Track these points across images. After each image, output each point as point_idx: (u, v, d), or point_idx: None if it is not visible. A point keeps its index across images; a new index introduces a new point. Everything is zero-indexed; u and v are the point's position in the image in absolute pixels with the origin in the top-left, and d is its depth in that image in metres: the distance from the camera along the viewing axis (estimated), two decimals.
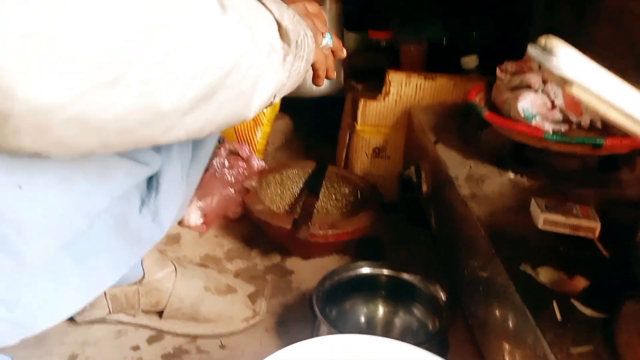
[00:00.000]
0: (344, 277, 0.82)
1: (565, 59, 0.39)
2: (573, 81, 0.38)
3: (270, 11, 0.51)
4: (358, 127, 1.09)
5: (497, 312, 0.70)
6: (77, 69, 0.35)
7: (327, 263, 0.96)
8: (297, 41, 0.52)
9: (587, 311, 0.60)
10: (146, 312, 0.80)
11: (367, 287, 0.83)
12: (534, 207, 0.72)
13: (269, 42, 0.49)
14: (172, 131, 0.42)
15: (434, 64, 1.22)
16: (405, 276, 0.82)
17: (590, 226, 0.68)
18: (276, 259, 0.98)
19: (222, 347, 0.80)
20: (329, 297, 0.79)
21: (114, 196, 0.54)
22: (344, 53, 0.70)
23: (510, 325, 0.66)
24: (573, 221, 0.69)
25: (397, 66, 1.19)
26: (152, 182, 0.62)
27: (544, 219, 0.70)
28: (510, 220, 0.75)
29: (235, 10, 0.44)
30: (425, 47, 1.27)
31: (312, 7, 0.67)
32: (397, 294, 0.83)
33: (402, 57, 1.29)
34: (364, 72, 1.29)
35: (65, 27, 0.34)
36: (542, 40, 0.41)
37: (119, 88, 0.37)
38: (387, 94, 1.07)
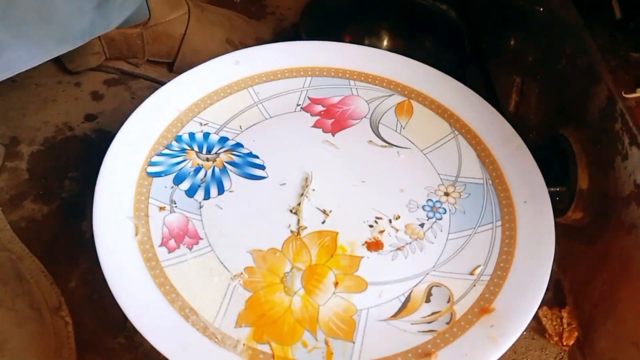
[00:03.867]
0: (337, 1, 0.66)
1: None
2: None
3: None
4: None
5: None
6: None
7: None
8: None
9: None
10: (153, 62, 0.69)
11: (368, 14, 0.67)
12: None
13: None
14: None
15: None
16: None
17: None
18: None
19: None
20: (318, 27, 0.63)
21: None
22: None
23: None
24: None
25: None
26: None
27: None
28: None
29: None
30: None
31: None
32: (406, 24, 0.67)
33: None
34: None
35: None
36: None
37: None
38: None
